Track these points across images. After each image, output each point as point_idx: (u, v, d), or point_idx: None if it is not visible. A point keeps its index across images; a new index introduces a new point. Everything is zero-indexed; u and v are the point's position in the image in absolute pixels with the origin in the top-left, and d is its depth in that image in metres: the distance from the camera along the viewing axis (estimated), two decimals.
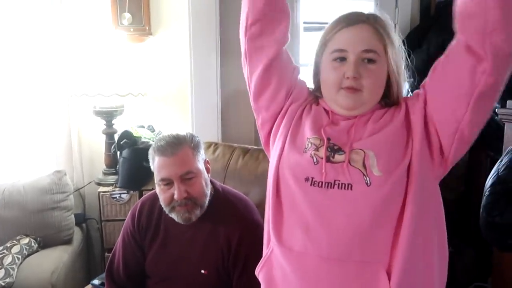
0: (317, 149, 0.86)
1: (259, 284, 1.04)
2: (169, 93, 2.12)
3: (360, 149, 0.84)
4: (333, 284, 0.82)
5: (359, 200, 0.81)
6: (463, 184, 2.11)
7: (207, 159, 1.31)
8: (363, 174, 0.81)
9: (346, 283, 0.81)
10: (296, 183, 0.86)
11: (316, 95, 0.97)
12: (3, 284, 1.50)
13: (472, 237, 2.17)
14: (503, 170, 1.51)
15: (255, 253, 1.12)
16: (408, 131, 0.85)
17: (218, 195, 1.31)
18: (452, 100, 0.80)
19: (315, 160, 0.85)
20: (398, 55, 0.89)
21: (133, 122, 2.09)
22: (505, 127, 1.72)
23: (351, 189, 0.81)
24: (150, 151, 1.25)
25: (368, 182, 0.81)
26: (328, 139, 0.86)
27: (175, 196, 1.19)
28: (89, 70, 1.98)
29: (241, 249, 1.22)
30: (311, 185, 0.84)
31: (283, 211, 0.88)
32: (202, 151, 1.27)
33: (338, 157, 0.84)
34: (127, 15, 1.98)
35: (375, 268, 0.80)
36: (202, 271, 1.24)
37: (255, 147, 1.91)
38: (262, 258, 0.93)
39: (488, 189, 1.51)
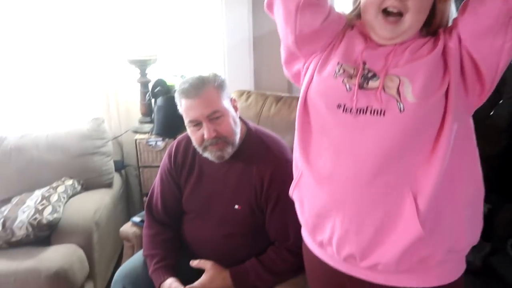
0: (350, 77, 0.85)
1: (291, 219, 1.08)
2: (201, 42, 2.10)
3: (395, 75, 0.82)
4: (359, 205, 0.84)
5: (391, 126, 0.80)
6: (506, 138, 2.00)
7: (233, 97, 1.31)
8: (397, 100, 0.81)
9: (372, 204, 0.83)
10: (327, 109, 0.86)
11: (351, 23, 0.93)
12: (51, 218, 1.61)
13: None
14: None
15: (287, 189, 1.13)
16: (445, 64, 0.82)
17: (251, 134, 1.32)
18: (488, 35, 0.78)
19: (347, 87, 0.85)
20: None
21: (166, 71, 2.11)
22: None
23: (383, 115, 0.81)
24: (176, 95, 1.26)
25: (401, 108, 0.80)
26: (364, 64, 0.85)
27: (205, 136, 1.21)
28: (123, 19, 1.99)
29: (273, 187, 1.23)
30: (343, 111, 0.84)
31: (312, 136, 0.91)
32: (227, 90, 1.27)
33: (372, 84, 0.83)
34: None
35: (401, 192, 0.82)
36: (236, 207, 1.27)
37: (288, 94, 1.89)
38: (293, 180, 0.98)
39: None
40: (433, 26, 0.87)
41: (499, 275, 1.95)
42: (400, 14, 0.82)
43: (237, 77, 2.01)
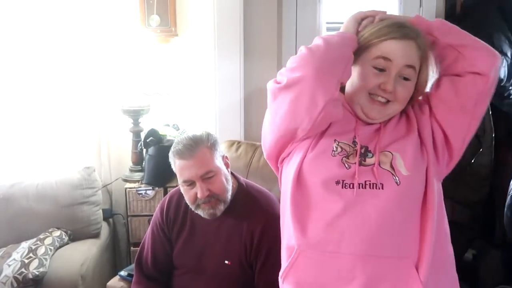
0: (347, 156, 0.90)
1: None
2: (193, 92, 2.17)
3: (388, 151, 0.90)
4: (368, 280, 0.85)
5: (390, 198, 0.85)
6: (488, 185, 2.07)
7: (225, 155, 1.35)
8: (392, 174, 0.87)
9: (380, 278, 0.85)
10: (324, 186, 0.88)
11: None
12: (37, 273, 1.57)
13: (498, 239, 2.13)
14: None
15: (277, 246, 1.14)
16: (421, 140, 0.92)
17: (242, 189, 1.35)
18: (459, 114, 0.90)
19: (346, 166, 0.89)
20: (428, 73, 0.94)
21: (159, 121, 2.16)
22: None
23: (382, 188, 0.86)
24: (170, 155, 1.31)
25: (398, 181, 0.87)
26: (361, 145, 0.91)
27: (198, 195, 1.24)
28: (117, 70, 2.05)
29: (263, 243, 1.25)
30: (342, 187, 0.87)
31: (310, 213, 0.89)
32: (219, 148, 1.31)
33: (368, 160, 0.90)
34: (156, 17, 2.05)
35: (406, 264, 0.85)
36: (226, 262, 1.28)
37: None
38: (287, 264, 0.91)
39: None
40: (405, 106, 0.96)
41: None
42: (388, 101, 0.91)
43: (227, 128, 2.07)
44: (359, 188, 0.87)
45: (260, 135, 0.99)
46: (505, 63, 1.96)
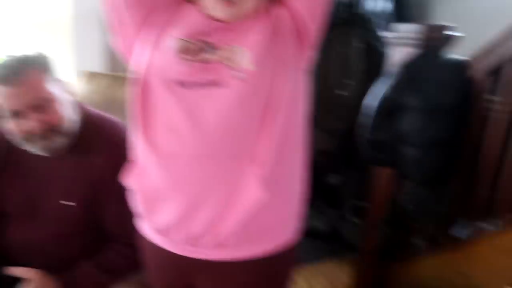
0: (189, 52, 0.84)
1: (129, 211, 1.03)
2: (45, 18, 1.87)
3: (235, 46, 0.82)
4: (204, 180, 0.84)
5: (231, 95, 0.81)
6: (356, 115, 2.24)
7: (65, 81, 1.17)
8: (236, 70, 0.81)
9: (216, 178, 0.84)
10: (166, 87, 0.84)
11: None
12: None
13: (359, 162, 2.36)
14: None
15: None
16: (280, 29, 0.85)
17: (89, 121, 1.20)
18: None
19: (188, 64, 0.84)
20: None
21: (4, 51, 1.84)
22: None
23: (224, 86, 0.81)
24: None
25: (242, 77, 0.81)
26: (203, 38, 0.84)
27: (29, 129, 1.06)
28: None
29: (112, 178, 1.15)
30: (182, 87, 0.83)
31: (153, 117, 0.87)
32: (56, 72, 1.12)
33: (210, 57, 0.82)
34: None
35: (243, 163, 0.84)
36: (68, 203, 1.16)
37: None
38: (130, 167, 0.93)
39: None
40: None
41: (344, 239, 2.22)
42: None
43: (85, 55, 1.84)
44: (199, 87, 0.82)
45: (126, 65, 0.90)
46: None
